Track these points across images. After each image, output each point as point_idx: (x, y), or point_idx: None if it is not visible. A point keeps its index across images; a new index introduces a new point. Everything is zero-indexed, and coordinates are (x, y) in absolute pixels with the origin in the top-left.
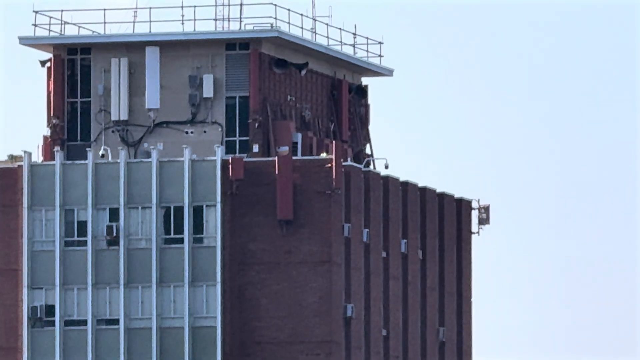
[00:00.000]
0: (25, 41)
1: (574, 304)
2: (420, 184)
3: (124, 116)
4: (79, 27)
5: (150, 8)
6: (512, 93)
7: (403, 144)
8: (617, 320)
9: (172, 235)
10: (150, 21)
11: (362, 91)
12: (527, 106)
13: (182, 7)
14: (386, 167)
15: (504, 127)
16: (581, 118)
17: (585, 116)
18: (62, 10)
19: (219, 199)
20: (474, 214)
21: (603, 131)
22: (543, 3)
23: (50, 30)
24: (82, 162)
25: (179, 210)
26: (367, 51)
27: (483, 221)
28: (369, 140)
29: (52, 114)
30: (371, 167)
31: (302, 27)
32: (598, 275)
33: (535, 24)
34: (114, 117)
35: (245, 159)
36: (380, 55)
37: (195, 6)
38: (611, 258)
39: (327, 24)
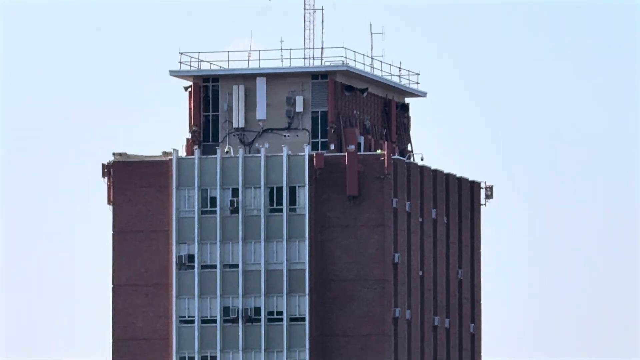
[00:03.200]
0: (174, 73)
1: (555, 256)
2: (446, 171)
3: (241, 125)
4: (210, 63)
5: (259, 50)
6: (513, 102)
7: (433, 143)
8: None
9: (274, 207)
10: (259, 59)
11: (405, 107)
12: (528, 116)
13: (281, 49)
14: (422, 159)
15: (507, 130)
16: (576, 115)
17: (579, 113)
18: (199, 52)
19: (307, 181)
20: (482, 192)
21: (594, 123)
22: (542, 30)
23: (190, 66)
24: (213, 156)
25: (280, 189)
26: (409, 79)
27: (488, 197)
28: (410, 141)
29: (192, 124)
30: (411, 159)
31: (363, 63)
32: (584, 234)
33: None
34: (234, 125)
35: (324, 154)
36: (417, 83)
37: (290, 49)
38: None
39: (381, 61)
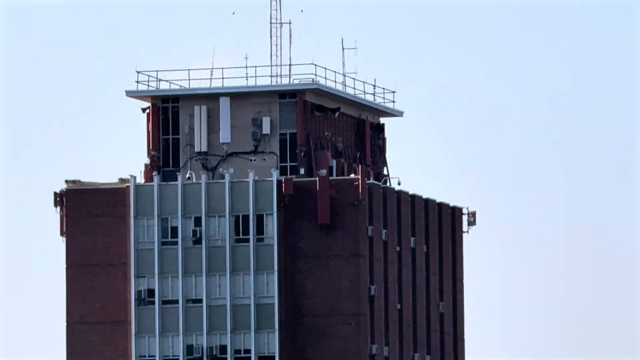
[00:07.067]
0: (130, 94)
1: (544, 286)
2: (425, 196)
3: (204, 148)
4: (170, 82)
5: (222, 68)
6: (496, 122)
7: (411, 166)
8: (611, 315)
9: (241, 236)
10: (222, 78)
11: (380, 128)
12: (512, 138)
13: (246, 67)
14: (399, 183)
15: (490, 151)
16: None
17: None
18: (157, 71)
19: (275, 209)
20: (464, 218)
21: (582, 142)
22: (530, 50)
23: (148, 85)
24: (174, 183)
25: (246, 218)
26: (384, 98)
27: (471, 223)
28: (385, 164)
29: (150, 148)
30: (388, 184)
31: (335, 81)
32: (573, 258)
33: (528, 62)
34: (197, 149)
35: (294, 179)
36: (393, 101)
37: (256, 66)
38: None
39: (353, 78)
